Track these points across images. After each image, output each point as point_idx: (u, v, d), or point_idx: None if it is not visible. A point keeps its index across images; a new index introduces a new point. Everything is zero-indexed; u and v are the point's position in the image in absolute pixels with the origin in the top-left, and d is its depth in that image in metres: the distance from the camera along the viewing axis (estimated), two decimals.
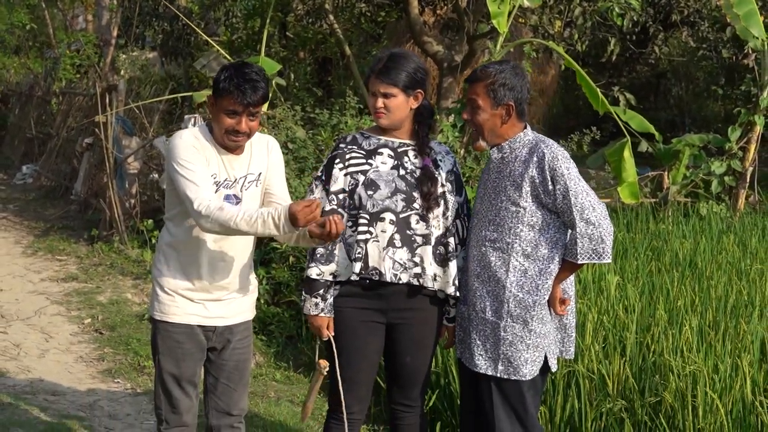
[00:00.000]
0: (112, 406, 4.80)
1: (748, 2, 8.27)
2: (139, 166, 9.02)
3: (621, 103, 8.90)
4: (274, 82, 7.69)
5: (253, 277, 3.34)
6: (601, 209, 3.15)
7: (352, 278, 3.22)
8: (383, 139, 3.33)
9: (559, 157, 3.15)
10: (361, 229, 3.20)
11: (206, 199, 2.94)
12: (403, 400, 3.42)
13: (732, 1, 8.30)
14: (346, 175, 3.28)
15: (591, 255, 3.13)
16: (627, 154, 7.02)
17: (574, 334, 3.33)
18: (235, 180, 3.12)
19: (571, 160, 3.19)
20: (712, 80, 15.42)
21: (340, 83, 12.90)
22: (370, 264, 3.19)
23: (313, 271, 3.24)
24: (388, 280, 3.19)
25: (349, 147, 3.33)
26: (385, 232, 3.20)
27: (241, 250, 3.19)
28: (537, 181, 3.16)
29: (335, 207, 3.25)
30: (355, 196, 3.24)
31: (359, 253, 3.19)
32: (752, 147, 8.78)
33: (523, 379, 3.19)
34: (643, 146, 8.78)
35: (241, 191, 3.12)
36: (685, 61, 17.16)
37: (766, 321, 4.61)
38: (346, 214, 3.26)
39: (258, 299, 3.43)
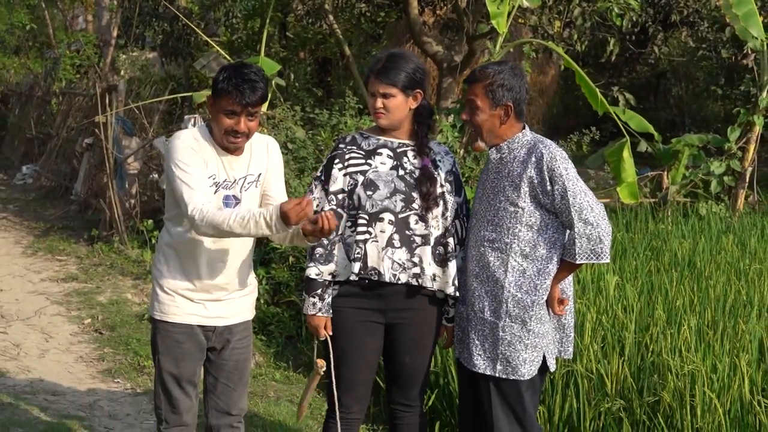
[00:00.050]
0: (112, 406, 4.81)
1: (748, 2, 8.28)
2: (139, 167, 9.02)
3: (620, 103, 8.91)
4: (273, 82, 7.70)
5: (252, 278, 3.35)
6: (600, 209, 3.16)
7: (351, 278, 3.23)
8: (382, 139, 3.34)
9: (558, 158, 3.16)
10: (360, 229, 3.21)
11: (200, 203, 2.94)
12: (402, 400, 3.43)
13: (731, 2, 8.31)
14: (345, 175, 3.29)
15: (589, 255, 3.15)
16: (626, 154, 7.03)
17: (572, 334, 3.34)
18: (234, 181, 3.12)
19: (570, 161, 3.20)
20: (711, 80, 15.43)
21: (339, 83, 12.91)
22: (369, 264, 3.20)
23: (312, 271, 3.25)
24: (387, 280, 3.20)
25: (349, 147, 3.34)
26: (384, 232, 3.21)
27: (241, 250, 3.20)
28: (535, 181, 3.17)
29: (334, 207, 3.26)
30: (354, 197, 3.25)
31: (358, 253, 3.20)
32: (751, 147, 8.79)
33: (522, 378, 3.20)
34: (643, 146, 8.78)
35: (240, 192, 3.13)
36: (684, 61, 17.17)
37: (764, 321, 4.62)
38: (345, 214, 3.27)
39: (258, 299, 3.44)
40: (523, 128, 3.30)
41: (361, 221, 3.22)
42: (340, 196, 3.28)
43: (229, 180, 3.11)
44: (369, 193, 3.23)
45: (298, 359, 5.56)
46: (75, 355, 5.65)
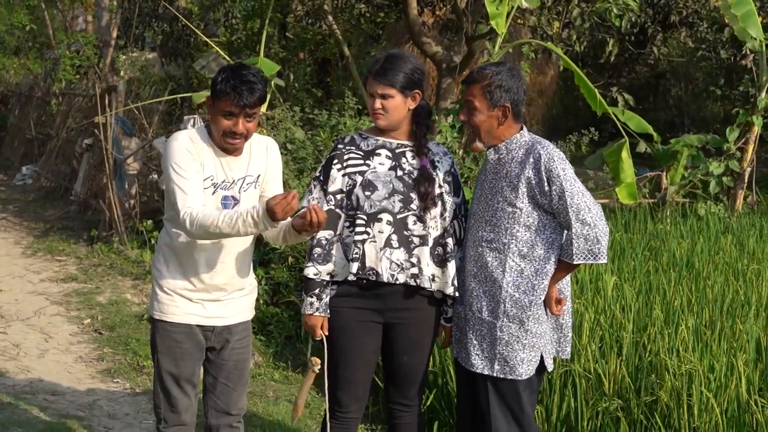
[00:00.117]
0: (111, 405, 4.82)
1: (746, 3, 8.29)
2: (138, 167, 9.04)
3: (619, 104, 8.93)
4: (273, 82, 7.71)
5: (252, 278, 3.36)
6: (597, 210, 3.17)
7: (349, 278, 3.24)
8: (381, 140, 3.35)
9: (555, 158, 3.17)
10: (358, 229, 3.22)
11: (191, 207, 2.96)
12: (400, 400, 3.44)
13: (730, 2, 8.32)
14: (344, 175, 3.30)
15: (587, 255, 3.16)
16: (625, 154, 7.04)
17: (570, 334, 3.36)
18: (233, 181, 3.13)
19: (567, 162, 3.21)
20: (711, 81, 15.44)
21: (339, 84, 12.91)
22: (367, 264, 3.21)
23: (310, 271, 3.26)
24: (385, 280, 3.21)
25: (348, 148, 3.35)
26: (382, 232, 3.22)
27: (240, 250, 3.20)
28: (533, 182, 3.18)
29: (333, 207, 3.28)
30: (353, 197, 3.26)
31: (356, 253, 3.21)
32: (750, 147, 8.80)
33: (520, 378, 3.21)
34: (642, 147, 8.80)
35: (239, 192, 3.14)
36: (684, 62, 17.20)
37: (762, 321, 4.63)
38: (343, 214, 3.28)
39: (257, 299, 3.45)
40: (521, 129, 3.31)
41: (359, 221, 3.23)
42: (338, 197, 3.29)
43: (228, 181, 3.12)
44: (367, 193, 3.24)
45: (297, 359, 5.57)
46: (74, 355, 5.66)
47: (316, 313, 3.28)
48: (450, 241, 3.30)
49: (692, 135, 9.22)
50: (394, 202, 3.24)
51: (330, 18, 10.86)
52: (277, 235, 3.18)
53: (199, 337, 3.21)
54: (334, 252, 3.26)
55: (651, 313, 4.68)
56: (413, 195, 3.26)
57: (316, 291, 3.27)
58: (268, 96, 7.74)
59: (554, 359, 3.37)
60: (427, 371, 3.50)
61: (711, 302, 4.91)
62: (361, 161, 3.30)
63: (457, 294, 3.31)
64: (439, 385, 4.48)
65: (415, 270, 3.24)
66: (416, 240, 3.25)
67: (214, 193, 3.09)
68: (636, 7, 8.84)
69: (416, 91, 3.30)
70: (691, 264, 5.95)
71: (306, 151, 6.92)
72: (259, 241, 4.71)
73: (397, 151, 3.33)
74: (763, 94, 8.67)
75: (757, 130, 8.77)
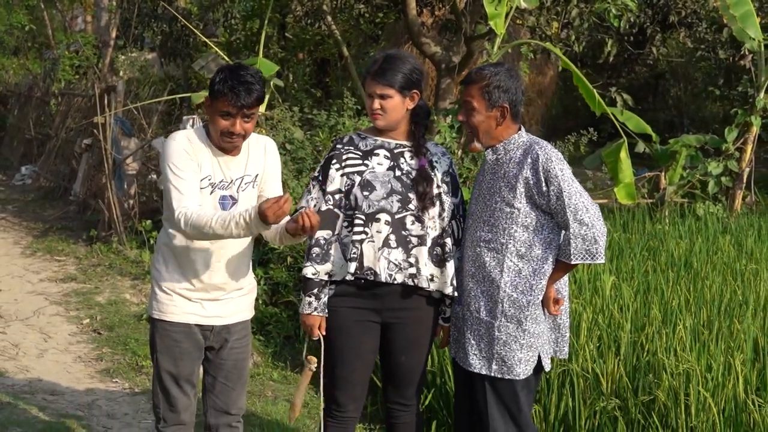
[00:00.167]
0: (110, 405, 4.83)
1: (745, 3, 8.31)
2: (137, 167, 9.04)
3: (618, 104, 8.93)
4: (272, 83, 7.72)
5: (251, 277, 3.36)
6: (595, 210, 3.18)
7: (347, 278, 3.24)
8: (380, 140, 3.36)
9: (553, 159, 3.18)
10: (356, 229, 3.23)
11: (186, 206, 2.97)
12: (398, 399, 3.45)
13: (729, 2, 8.34)
14: (342, 175, 3.31)
15: (584, 255, 3.17)
16: (623, 154, 7.05)
17: (567, 334, 3.36)
18: (231, 181, 3.14)
19: (565, 162, 3.22)
20: (710, 81, 15.46)
21: (338, 84, 12.93)
22: (365, 264, 3.22)
23: (309, 270, 3.27)
24: (383, 280, 3.22)
25: (346, 148, 3.36)
26: (380, 232, 3.23)
27: (239, 250, 3.21)
28: (531, 182, 3.19)
29: (331, 207, 3.28)
30: (351, 197, 3.27)
31: (354, 253, 3.21)
32: (749, 148, 8.82)
33: (517, 378, 3.22)
34: (641, 147, 8.81)
35: (237, 192, 3.15)
36: (683, 62, 17.21)
37: (759, 320, 4.63)
38: (342, 214, 3.29)
39: (256, 299, 3.46)
40: (519, 129, 3.32)
41: (357, 221, 3.24)
42: (337, 197, 3.30)
43: (226, 180, 3.13)
44: (366, 193, 3.25)
45: (296, 359, 5.58)
46: (73, 355, 5.67)
47: (315, 313, 3.29)
48: (448, 241, 3.30)
49: (691, 135, 9.23)
50: (392, 202, 3.25)
51: (329, 18, 10.87)
52: (275, 236, 3.19)
53: (197, 336, 3.22)
54: (332, 252, 3.27)
55: (649, 313, 4.69)
56: (411, 195, 3.27)
57: (315, 290, 3.28)
58: (267, 96, 7.75)
59: (552, 359, 3.38)
60: (425, 371, 3.50)
61: (709, 302, 4.92)
62: (360, 161, 3.31)
63: (456, 294, 3.32)
64: (438, 385, 4.49)
65: (412, 270, 3.24)
66: (414, 240, 3.25)
67: (212, 192, 3.10)
68: (634, 7, 8.85)
69: (414, 91, 3.31)
70: (689, 264, 5.96)
71: (305, 151, 6.93)
72: (258, 241, 4.72)
73: (395, 151, 3.34)
74: (762, 94, 8.68)
75: (755, 130, 8.78)
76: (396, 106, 3.28)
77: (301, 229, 2.89)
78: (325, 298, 3.29)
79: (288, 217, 2.95)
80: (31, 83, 15.39)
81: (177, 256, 3.17)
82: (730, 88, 13.43)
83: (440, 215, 3.31)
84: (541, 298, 3.21)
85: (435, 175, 3.33)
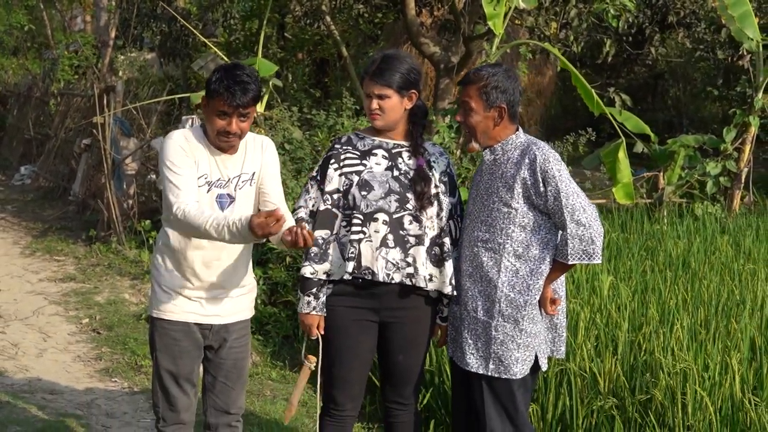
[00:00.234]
0: (110, 404, 4.84)
1: (743, 4, 8.33)
2: (136, 167, 9.05)
3: (617, 104, 8.95)
4: (271, 83, 7.73)
5: (251, 277, 3.37)
6: (592, 210, 3.19)
7: (345, 277, 3.25)
8: (378, 140, 3.37)
9: (551, 159, 3.19)
10: (354, 229, 3.24)
11: (183, 203, 2.98)
12: (396, 398, 3.46)
13: (727, 3, 8.35)
14: (340, 175, 3.32)
15: (581, 256, 3.18)
16: (622, 155, 7.06)
17: (564, 334, 3.38)
18: (228, 180, 3.15)
19: (562, 162, 3.23)
20: (709, 81, 15.47)
21: (337, 84, 12.95)
22: (363, 263, 3.23)
23: (307, 270, 3.28)
24: (381, 279, 3.23)
25: (344, 148, 3.37)
26: (378, 232, 3.24)
27: (238, 249, 3.22)
28: (528, 182, 3.20)
29: (329, 207, 3.30)
30: (349, 197, 3.28)
31: (352, 252, 3.23)
32: (747, 148, 8.83)
33: (514, 377, 3.23)
34: (639, 147, 8.82)
35: (234, 191, 3.16)
36: (682, 63, 17.22)
37: (756, 320, 4.65)
38: (340, 214, 3.30)
39: (255, 299, 3.46)
40: (517, 130, 3.34)
41: (355, 221, 3.25)
42: (335, 196, 3.31)
43: (223, 179, 3.14)
44: (364, 193, 3.26)
45: (295, 359, 5.58)
46: (73, 355, 5.68)
47: (313, 312, 3.30)
48: (447, 240, 3.31)
49: (689, 135, 9.25)
50: (390, 201, 3.26)
51: (328, 18, 10.88)
52: (278, 241, 3.19)
53: (197, 335, 3.23)
54: (330, 251, 3.28)
55: (646, 313, 4.70)
56: (409, 195, 3.28)
57: (313, 290, 3.29)
58: (266, 96, 7.77)
59: (549, 359, 3.39)
60: (423, 370, 3.51)
61: (706, 302, 4.93)
62: (358, 161, 3.32)
63: (455, 293, 3.33)
64: (436, 384, 4.50)
65: (410, 269, 3.26)
66: (412, 240, 3.27)
67: (209, 191, 3.11)
68: (633, 7, 8.86)
69: (413, 91, 3.32)
70: (687, 264, 5.97)
71: (304, 151, 6.94)
72: None
73: (393, 151, 3.35)
74: (760, 94, 8.69)
75: (754, 130, 8.79)
76: (394, 106, 3.29)
77: (295, 245, 2.88)
78: (323, 298, 3.30)
79: (285, 227, 2.93)
80: (30, 83, 15.39)
81: (176, 255, 3.18)
82: (729, 88, 13.45)
83: (438, 215, 3.32)
84: (538, 297, 3.22)
85: (433, 174, 3.34)
